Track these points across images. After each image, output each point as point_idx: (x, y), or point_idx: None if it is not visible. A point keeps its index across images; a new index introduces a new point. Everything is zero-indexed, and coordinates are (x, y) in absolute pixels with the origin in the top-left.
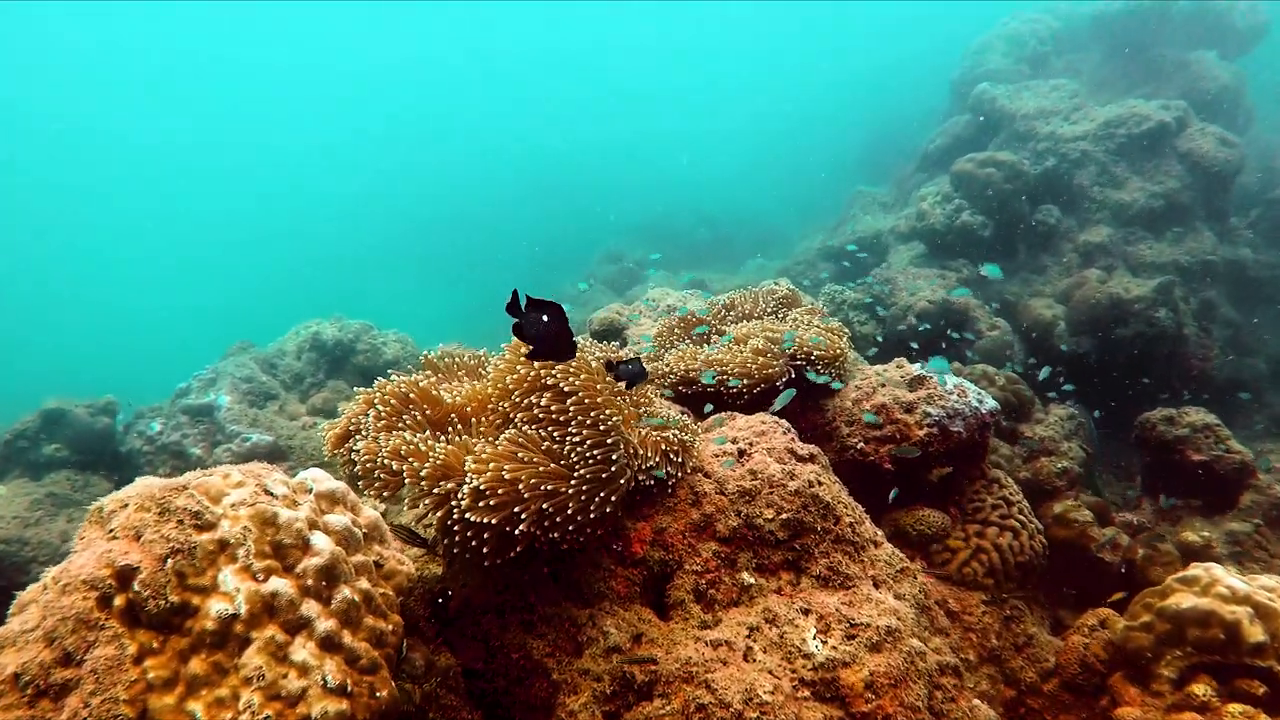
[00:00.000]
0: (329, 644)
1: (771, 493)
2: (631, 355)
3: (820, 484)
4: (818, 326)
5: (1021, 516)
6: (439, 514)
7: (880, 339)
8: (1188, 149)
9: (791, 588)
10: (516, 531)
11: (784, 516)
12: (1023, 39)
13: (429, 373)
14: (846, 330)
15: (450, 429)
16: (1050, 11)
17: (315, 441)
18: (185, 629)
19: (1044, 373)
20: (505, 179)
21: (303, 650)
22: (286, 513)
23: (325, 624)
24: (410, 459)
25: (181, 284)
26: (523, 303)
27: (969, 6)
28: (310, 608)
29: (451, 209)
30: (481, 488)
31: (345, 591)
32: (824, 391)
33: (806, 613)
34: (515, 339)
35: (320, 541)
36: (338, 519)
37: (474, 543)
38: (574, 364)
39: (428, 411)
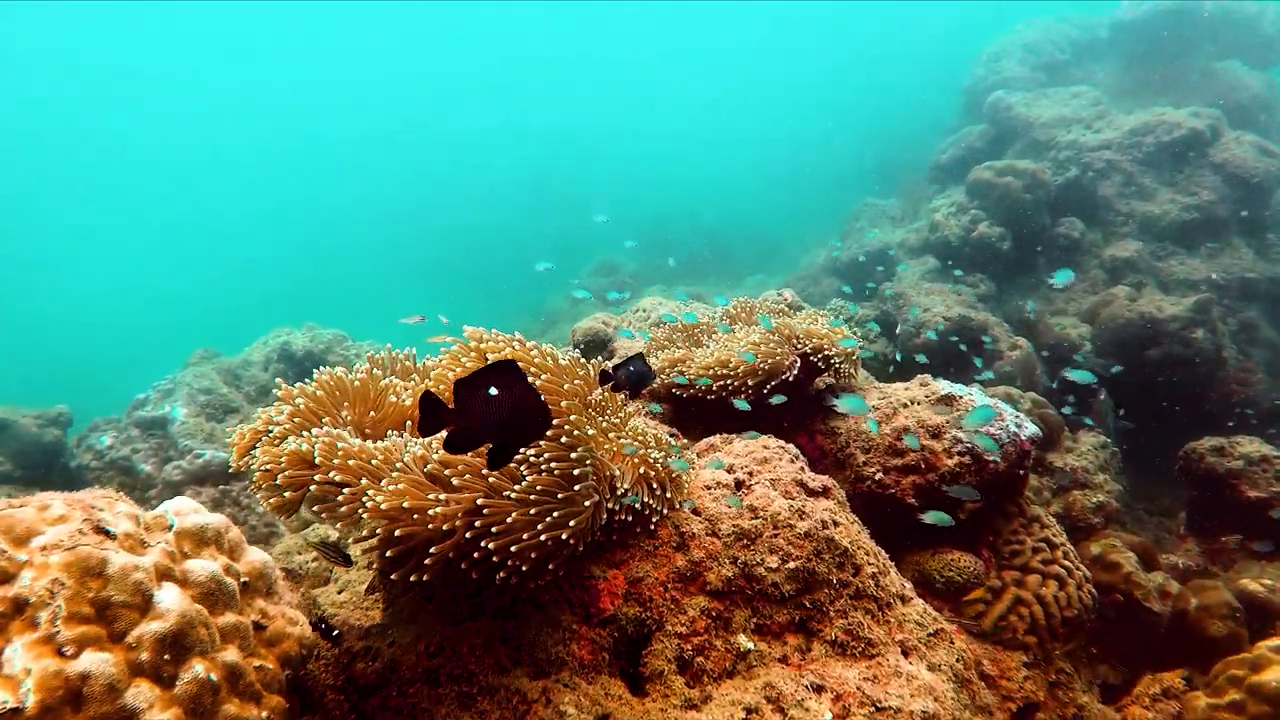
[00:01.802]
0: None
1: (776, 535)
2: (628, 354)
3: (836, 525)
4: (823, 324)
5: (1068, 562)
6: (347, 509)
7: (899, 357)
8: (1223, 159)
9: (800, 656)
10: (437, 520)
11: (791, 565)
12: (1039, 46)
13: (375, 370)
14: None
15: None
16: (1067, 19)
17: None
18: None
19: (1114, 370)
20: (495, 190)
21: None
22: (121, 558)
23: (159, 718)
24: (326, 454)
25: (164, 290)
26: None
27: (976, 16)
28: (140, 694)
29: (437, 220)
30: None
31: (198, 668)
32: (835, 410)
33: (819, 690)
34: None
35: (167, 599)
36: (202, 565)
37: (381, 544)
38: (537, 358)
39: (370, 414)
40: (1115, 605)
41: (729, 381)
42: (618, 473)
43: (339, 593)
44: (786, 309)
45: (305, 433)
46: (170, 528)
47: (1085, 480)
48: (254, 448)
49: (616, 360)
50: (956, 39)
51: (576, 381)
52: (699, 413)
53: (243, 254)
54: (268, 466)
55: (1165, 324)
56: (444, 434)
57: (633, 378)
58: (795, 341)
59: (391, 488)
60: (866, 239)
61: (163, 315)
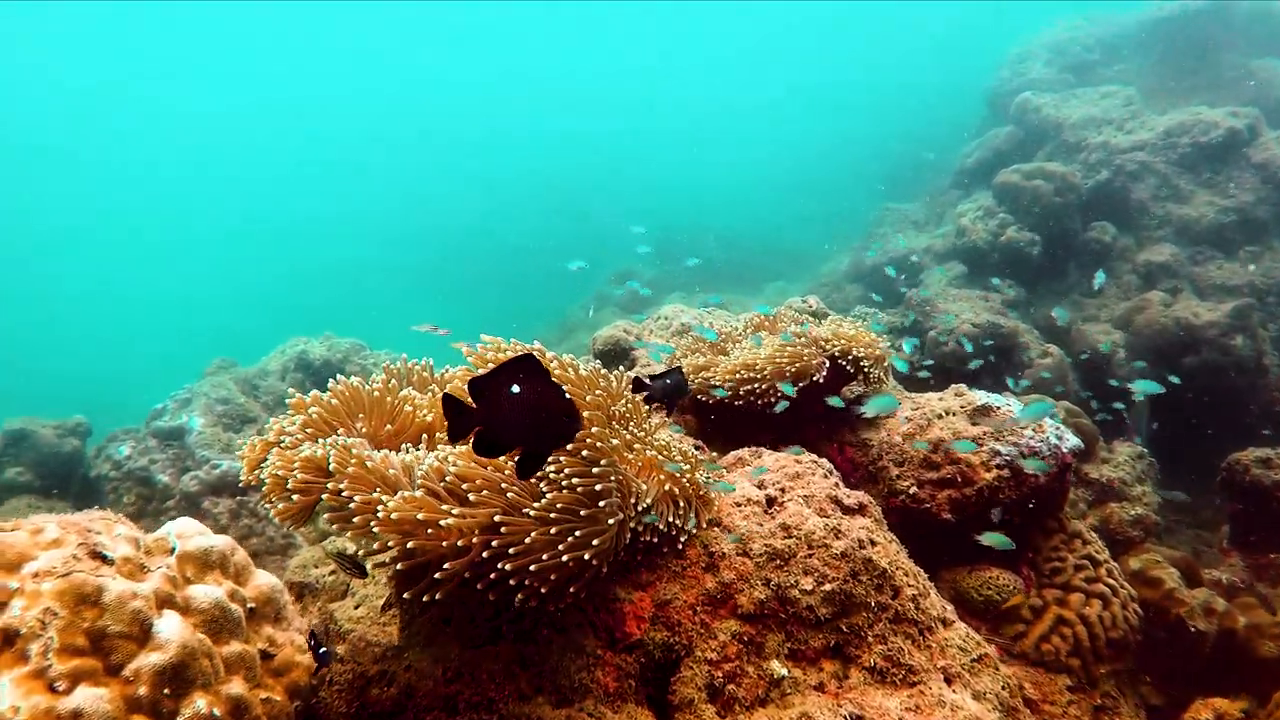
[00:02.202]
0: None
1: (810, 555)
2: (649, 364)
3: (874, 544)
4: (849, 328)
5: (1111, 580)
6: (359, 519)
7: (927, 365)
8: (1264, 159)
9: (837, 683)
10: (451, 534)
11: (827, 587)
12: (1066, 46)
13: (392, 381)
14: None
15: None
16: (1094, 19)
17: None
18: None
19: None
20: (513, 199)
21: None
22: (118, 585)
23: None
24: (341, 461)
25: (182, 299)
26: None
27: (996, 17)
28: None
29: (456, 227)
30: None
31: (199, 703)
32: (867, 421)
33: None
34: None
35: (167, 629)
36: (205, 591)
37: (394, 559)
38: (557, 369)
39: (387, 427)
40: (1167, 627)
41: (755, 385)
42: (643, 489)
43: (355, 608)
44: (811, 316)
45: (319, 440)
46: (172, 551)
47: (1123, 492)
48: (266, 460)
49: (639, 369)
50: (976, 41)
51: (598, 393)
52: (724, 422)
53: (261, 262)
54: (279, 472)
55: (1203, 330)
56: (464, 448)
57: (669, 390)
58: (823, 343)
59: (405, 494)
60: (891, 245)
61: (180, 325)
